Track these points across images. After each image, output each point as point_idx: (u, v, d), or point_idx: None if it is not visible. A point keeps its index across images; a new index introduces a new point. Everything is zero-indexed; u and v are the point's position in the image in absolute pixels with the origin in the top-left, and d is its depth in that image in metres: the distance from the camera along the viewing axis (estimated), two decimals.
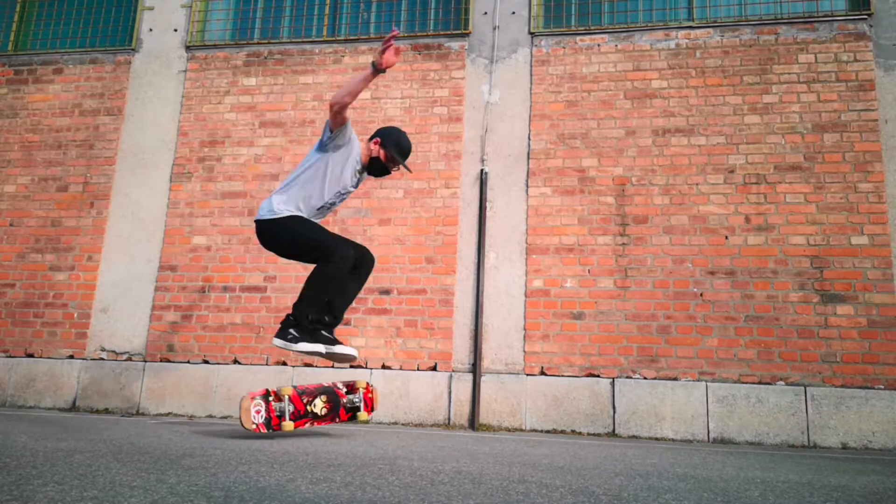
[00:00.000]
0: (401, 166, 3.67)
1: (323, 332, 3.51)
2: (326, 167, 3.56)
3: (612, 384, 5.10)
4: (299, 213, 3.58)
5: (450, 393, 5.27)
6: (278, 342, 3.45)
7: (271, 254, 5.78)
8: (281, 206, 3.56)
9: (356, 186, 3.75)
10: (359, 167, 3.67)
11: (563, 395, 5.13)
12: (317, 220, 3.71)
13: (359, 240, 5.73)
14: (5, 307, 6.05)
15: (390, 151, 3.62)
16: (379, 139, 3.65)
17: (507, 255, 5.50)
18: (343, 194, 3.70)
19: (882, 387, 4.81)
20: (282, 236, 3.61)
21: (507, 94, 5.83)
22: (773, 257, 5.15)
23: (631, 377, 5.11)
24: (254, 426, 3.36)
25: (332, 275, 3.48)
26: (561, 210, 5.50)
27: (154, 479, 1.65)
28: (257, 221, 3.67)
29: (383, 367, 5.42)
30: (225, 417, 5.42)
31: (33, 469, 1.76)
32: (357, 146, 3.65)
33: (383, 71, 3.39)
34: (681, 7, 5.79)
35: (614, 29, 5.79)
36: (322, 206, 3.64)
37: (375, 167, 3.70)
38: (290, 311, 3.55)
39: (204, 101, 6.24)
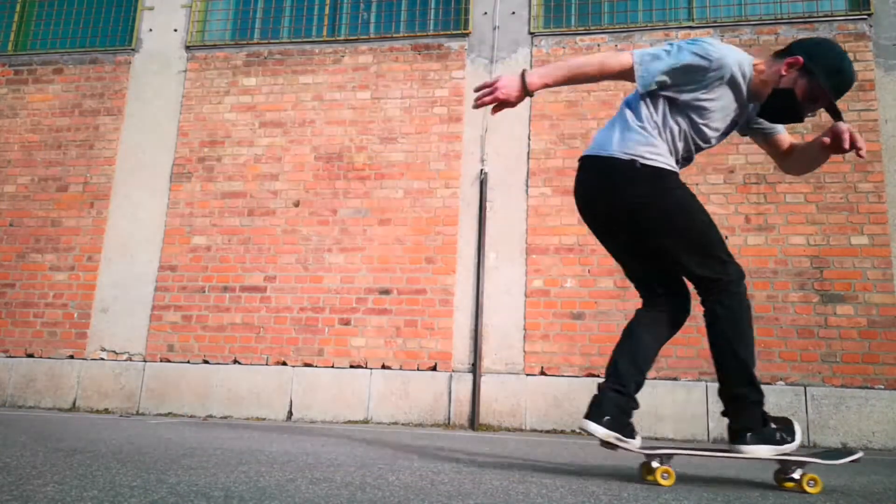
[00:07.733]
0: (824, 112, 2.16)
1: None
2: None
3: None
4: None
5: (450, 393, 5.27)
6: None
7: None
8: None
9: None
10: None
11: (564, 394, 5.13)
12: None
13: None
14: (5, 307, 6.05)
15: (818, 82, 2.11)
16: (801, 59, 2.11)
17: (507, 255, 5.51)
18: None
19: (882, 387, 4.81)
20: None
21: None
22: (772, 257, 5.15)
23: None
24: None
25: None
26: (561, 210, 5.50)
27: (154, 479, 1.65)
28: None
29: (383, 367, 5.42)
30: (225, 417, 5.42)
31: (33, 469, 1.77)
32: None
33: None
34: (680, 7, 5.79)
35: (614, 29, 5.79)
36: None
37: (776, 108, 2.21)
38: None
39: (204, 101, 6.24)
